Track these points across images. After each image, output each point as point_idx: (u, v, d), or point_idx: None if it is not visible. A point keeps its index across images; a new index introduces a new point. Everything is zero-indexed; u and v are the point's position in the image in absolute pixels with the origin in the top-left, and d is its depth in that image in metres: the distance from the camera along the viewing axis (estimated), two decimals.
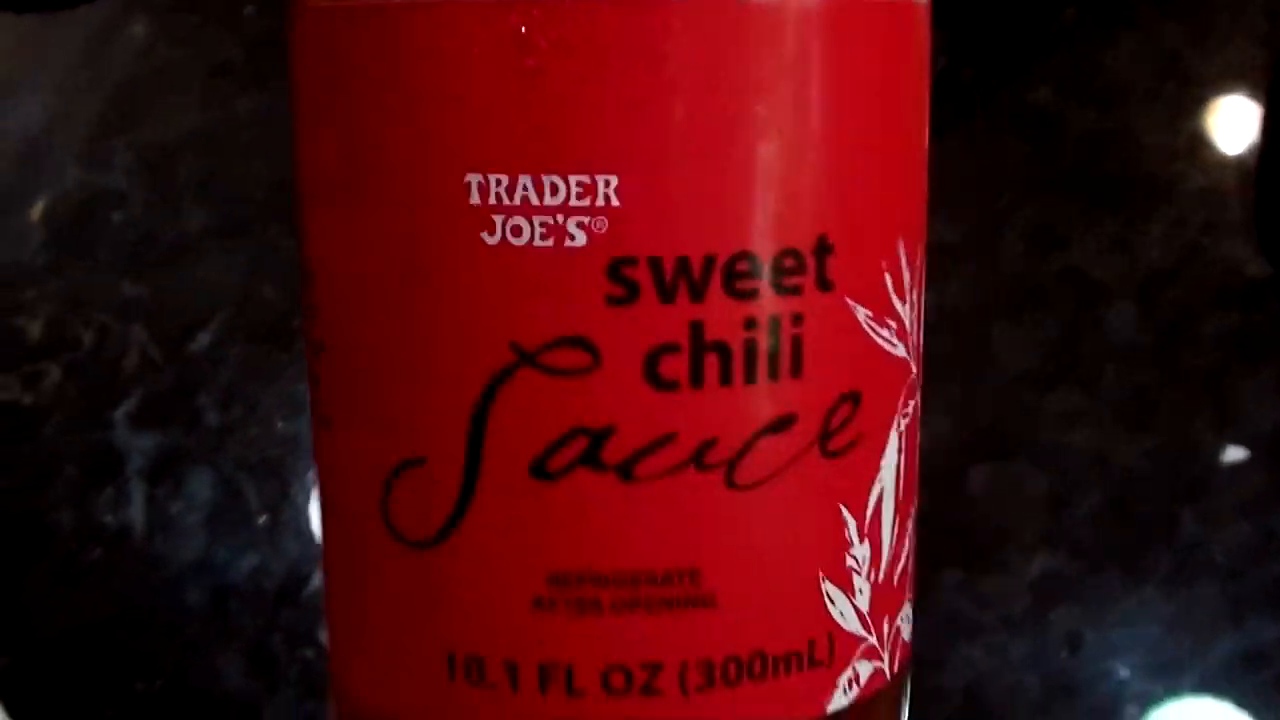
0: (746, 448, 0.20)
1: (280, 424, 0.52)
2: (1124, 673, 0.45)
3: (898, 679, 0.23)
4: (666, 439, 0.20)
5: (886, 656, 0.22)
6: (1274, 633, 0.46)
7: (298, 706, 0.47)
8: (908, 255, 0.22)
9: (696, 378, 0.19)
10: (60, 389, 0.54)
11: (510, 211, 0.19)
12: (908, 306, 0.22)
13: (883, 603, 0.22)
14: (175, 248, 0.56)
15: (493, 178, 0.19)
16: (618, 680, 0.20)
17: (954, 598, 0.47)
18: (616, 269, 0.19)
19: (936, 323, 0.52)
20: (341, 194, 0.21)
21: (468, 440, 0.20)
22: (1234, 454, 0.49)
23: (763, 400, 0.20)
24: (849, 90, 0.21)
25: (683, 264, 0.19)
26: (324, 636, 0.48)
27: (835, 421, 0.21)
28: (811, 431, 0.20)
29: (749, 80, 0.19)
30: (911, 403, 0.23)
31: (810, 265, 0.20)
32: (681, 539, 0.20)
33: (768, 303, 0.20)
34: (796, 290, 0.20)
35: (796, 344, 0.20)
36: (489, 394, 0.20)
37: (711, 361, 0.19)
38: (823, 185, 0.20)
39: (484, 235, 0.19)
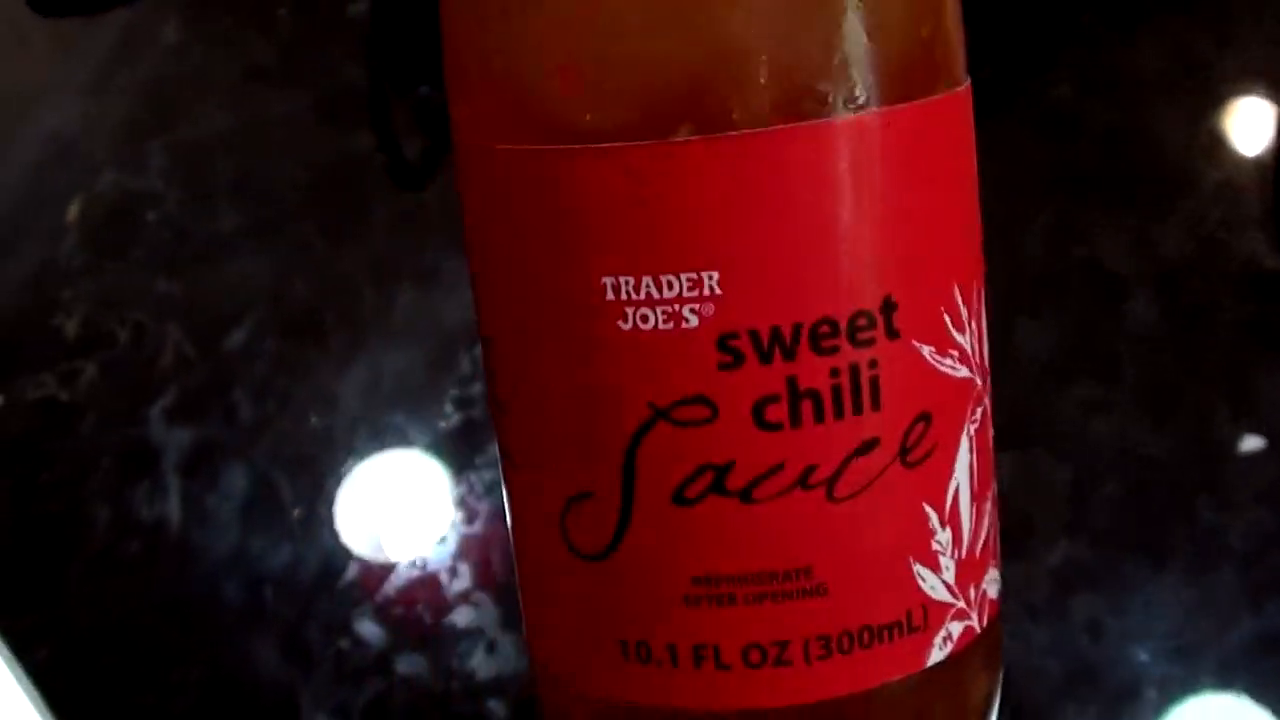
0: (841, 469, 0.25)
1: (313, 419, 0.53)
2: (1144, 657, 0.46)
3: (988, 631, 0.28)
4: (776, 468, 0.25)
5: (975, 614, 0.27)
6: None
7: (332, 694, 0.48)
8: (963, 295, 0.26)
9: (796, 419, 0.24)
10: (96, 386, 0.55)
11: (638, 304, 0.24)
12: (967, 335, 0.26)
13: (967, 573, 0.27)
14: (209, 246, 0.57)
15: (622, 279, 0.24)
16: (755, 656, 0.25)
17: None
18: (724, 341, 0.24)
19: None
20: (509, 289, 0.26)
21: (622, 478, 0.25)
22: (1251, 443, 0.49)
23: (850, 430, 0.25)
24: (902, 180, 0.25)
25: (775, 333, 0.24)
26: (357, 625, 0.49)
27: (912, 439, 0.25)
28: (892, 449, 0.25)
29: (816, 189, 0.24)
30: (979, 409, 0.27)
31: (880, 321, 0.25)
32: (794, 544, 0.25)
33: (847, 354, 0.24)
34: (870, 342, 0.25)
35: (874, 383, 0.25)
36: (635, 442, 0.25)
37: (806, 405, 0.24)
38: (885, 256, 0.25)
39: (619, 323, 0.24)
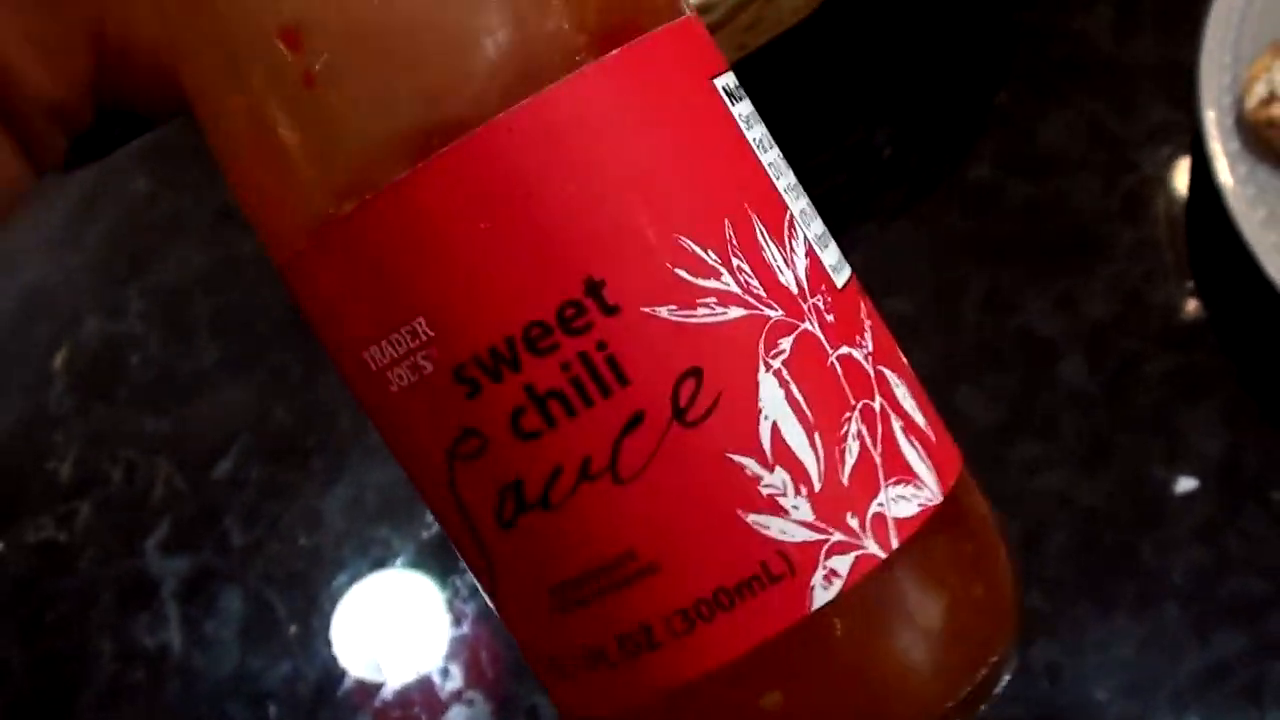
0: (615, 451, 0.24)
1: (302, 539, 0.55)
2: (1101, 696, 0.48)
3: (901, 553, 0.26)
4: (557, 471, 0.25)
5: (870, 540, 0.25)
6: (1236, 646, 0.49)
7: None
8: (705, 239, 0.25)
9: (549, 421, 0.24)
10: (93, 524, 0.58)
11: (391, 366, 0.25)
12: (733, 274, 0.25)
13: (835, 504, 0.25)
14: (192, 381, 0.60)
15: (372, 349, 0.25)
16: (629, 645, 0.25)
17: None
18: (458, 374, 0.25)
19: None
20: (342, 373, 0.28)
21: (461, 518, 0.26)
22: (1185, 484, 0.52)
23: (607, 413, 0.24)
24: (591, 157, 0.25)
25: (493, 352, 0.24)
26: None
27: (684, 399, 0.24)
28: (664, 416, 0.24)
29: (469, 217, 0.24)
30: (785, 340, 0.25)
31: (589, 304, 0.24)
32: (606, 535, 0.25)
33: (569, 346, 0.24)
34: (588, 327, 0.24)
35: (611, 362, 0.24)
36: (452, 485, 0.26)
37: (554, 405, 0.24)
38: (577, 240, 0.24)
39: (390, 388, 0.26)
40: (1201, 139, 0.55)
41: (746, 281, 0.25)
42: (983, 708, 0.27)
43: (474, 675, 0.51)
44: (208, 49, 0.27)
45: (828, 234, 0.28)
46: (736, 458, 0.25)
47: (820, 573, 0.25)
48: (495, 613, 0.27)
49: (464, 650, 0.52)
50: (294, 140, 0.25)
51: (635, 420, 0.24)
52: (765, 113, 0.29)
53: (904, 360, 0.28)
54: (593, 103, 0.25)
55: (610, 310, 0.24)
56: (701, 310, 0.25)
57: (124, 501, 0.58)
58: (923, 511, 0.26)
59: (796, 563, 0.25)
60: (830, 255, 0.27)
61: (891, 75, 0.61)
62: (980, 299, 0.56)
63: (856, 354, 0.26)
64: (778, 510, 0.25)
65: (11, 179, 0.31)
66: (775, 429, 0.25)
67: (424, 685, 0.52)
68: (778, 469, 0.25)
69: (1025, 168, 0.59)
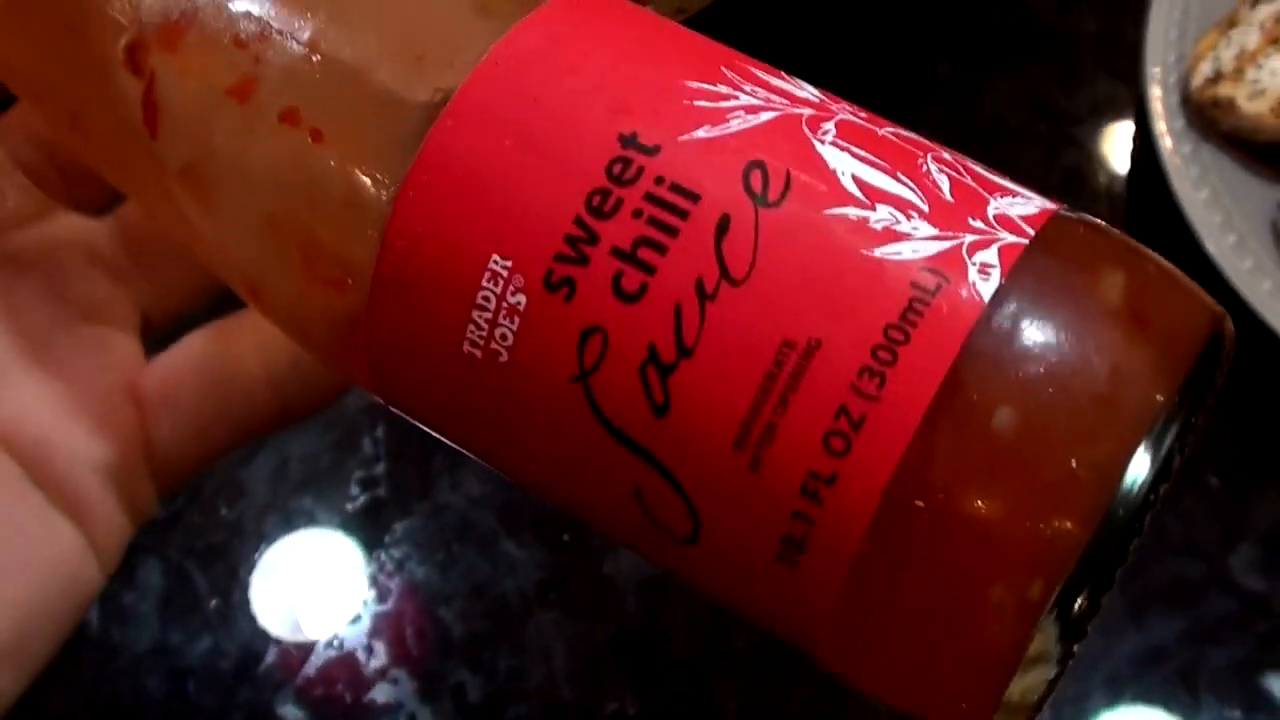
0: (720, 259, 0.24)
1: (223, 510, 0.54)
2: None
3: (1042, 240, 0.25)
4: (678, 311, 0.24)
5: (1005, 233, 0.25)
6: (1172, 630, 0.49)
7: None
8: (705, 79, 0.26)
9: (648, 269, 0.25)
10: None
11: (492, 333, 0.26)
12: (750, 94, 0.26)
13: (952, 214, 0.25)
14: None
15: (469, 335, 0.26)
16: (834, 443, 0.24)
17: None
18: (550, 282, 0.25)
19: None
20: None
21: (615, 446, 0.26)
22: None
23: (698, 229, 0.25)
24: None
25: (569, 239, 0.25)
26: (280, 710, 0.50)
27: (757, 187, 0.25)
28: (748, 207, 0.25)
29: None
30: (827, 123, 0.26)
31: (631, 155, 0.25)
32: (753, 342, 0.24)
33: (632, 194, 0.25)
34: (641, 171, 0.25)
35: (677, 188, 0.25)
36: (594, 408, 0.25)
37: (644, 252, 0.25)
38: (595, 113, 0.26)
39: (500, 359, 0.26)
40: (1145, 114, 0.54)
41: (766, 97, 0.26)
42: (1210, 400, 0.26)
43: (399, 652, 0.50)
44: None
45: None
46: (835, 210, 0.25)
47: (973, 269, 0.24)
48: (705, 556, 0.26)
49: (389, 626, 0.51)
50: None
51: (724, 224, 0.24)
52: None
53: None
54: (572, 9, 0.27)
55: (653, 150, 0.25)
56: (735, 122, 0.25)
57: None
58: (1044, 212, 0.26)
59: (945, 270, 0.24)
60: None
61: (832, 46, 0.60)
62: None
63: (906, 132, 0.27)
64: (899, 236, 0.24)
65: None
66: (857, 179, 0.25)
67: (347, 661, 0.51)
68: (879, 206, 0.25)
69: (967, 140, 0.58)
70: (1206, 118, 0.54)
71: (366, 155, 0.27)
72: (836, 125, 0.26)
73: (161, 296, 0.36)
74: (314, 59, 0.27)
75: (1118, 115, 0.58)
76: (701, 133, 0.25)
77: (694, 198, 0.25)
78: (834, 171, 0.25)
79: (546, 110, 0.25)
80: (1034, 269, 0.24)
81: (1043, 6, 0.60)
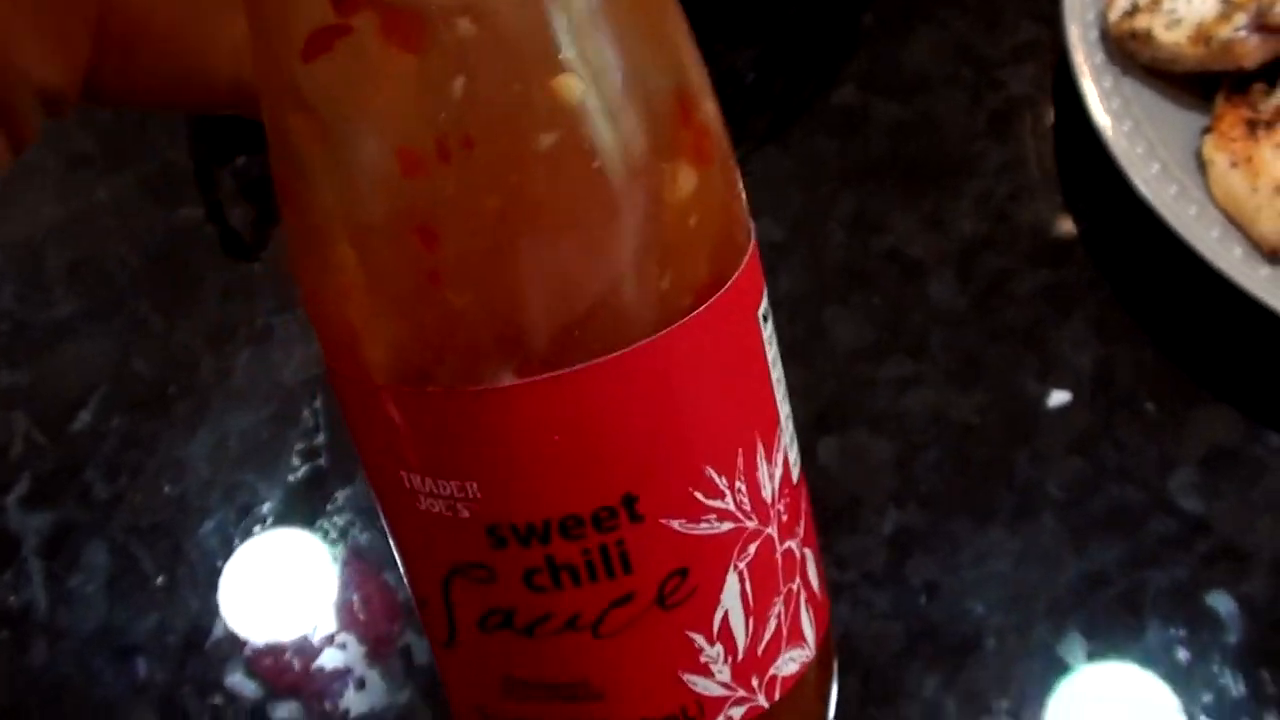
0: (603, 615, 0.29)
1: (166, 488, 0.54)
2: (980, 610, 0.48)
3: (782, 703, 0.32)
4: (547, 616, 0.29)
5: (761, 695, 0.31)
6: (1113, 555, 0.49)
7: None
8: (719, 469, 0.29)
9: (557, 583, 0.28)
10: None
11: (426, 495, 0.29)
12: (730, 496, 0.29)
13: (747, 669, 0.31)
14: (47, 334, 0.58)
15: (413, 475, 0.29)
16: None
17: None
18: (490, 530, 0.28)
19: (773, 312, 0.55)
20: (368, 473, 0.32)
21: (444, 603, 0.30)
22: (1058, 397, 0.52)
23: (607, 589, 0.29)
24: (646, 405, 0.28)
25: (529, 527, 0.28)
26: (230, 681, 0.50)
27: (669, 589, 0.29)
28: (648, 598, 0.29)
29: (558, 429, 0.28)
30: (754, 544, 0.30)
31: (621, 512, 0.28)
32: (572, 666, 0.29)
33: (594, 538, 0.28)
34: (615, 527, 0.28)
35: (623, 556, 0.28)
36: (446, 584, 0.30)
37: (564, 575, 0.28)
38: (624, 461, 0.28)
39: (417, 505, 0.29)
40: (1067, 55, 0.55)
41: (740, 500, 0.29)
42: None
43: (346, 618, 0.50)
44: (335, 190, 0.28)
45: (790, 421, 0.32)
46: (692, 634, 0.29)
47: (721, 717, 0.30)
48: (433, 646, 0.32)
49: (334, 593, 0.51)
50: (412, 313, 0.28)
51: (626, 598, 0.29)
52: None
53: (813, 527, 0.33)
54: (671, 354, 0.28)
55: (636, 519, 0.28)
56: (703, 524, 0.29)
57: None
58: (801, 669, 0.32)
59: (707, 709, 0.30)
60: (794, 452, 0.32)
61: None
62: (848, 221, 0.56)
63: (793, 545, 0.31)
64: (707, 673, 0.30)
65: None
66: (726, 615, 0.30)
67: (294, 630, 0.51)
68: (718, 644, 0.30)
69: (891, 89, 0.59)
70: (1126, 50, 0.54)
71: None
72: (758, 547, 0.30)
73: None
74: None
75: (1041, 57, 0.59)
76: (676, 524, 0.29)
77: (627, 570, 0.28)
78: (719, 602, 0.30)
79: (599, 439, 0.28)
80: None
81: None
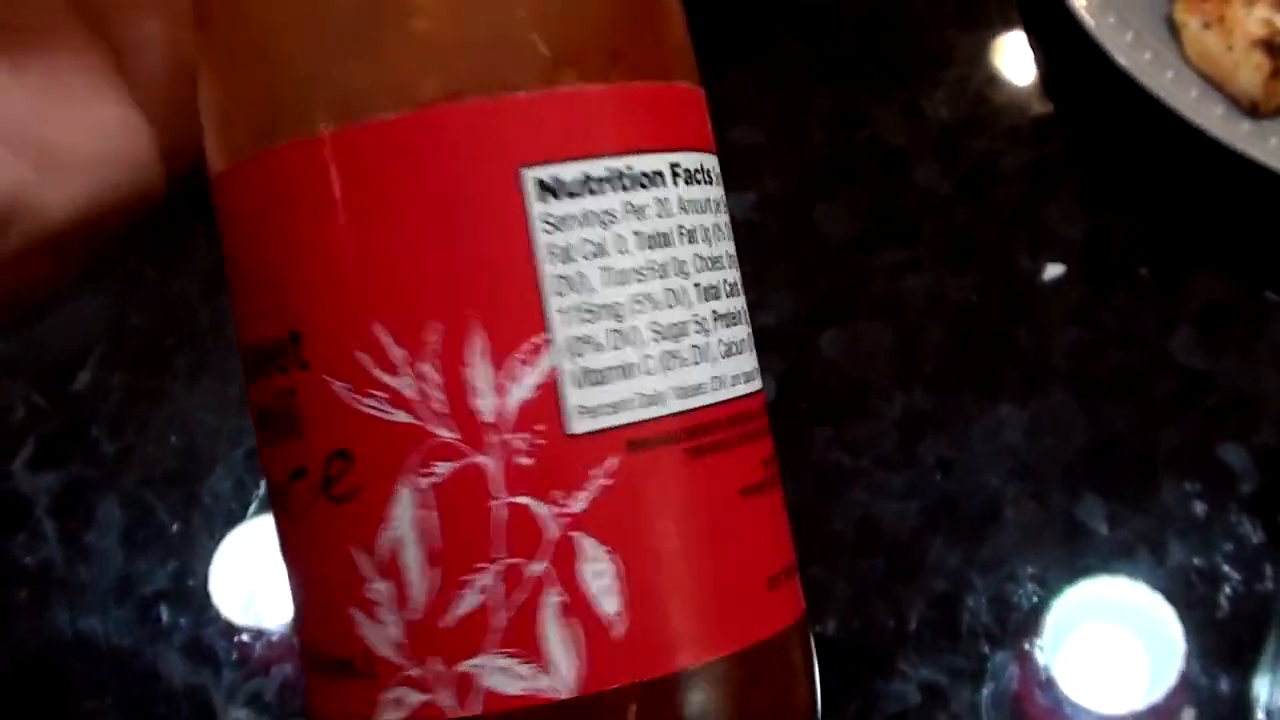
0: (287, 488, 0.26)
1: (174, 438, 0.54)
2: (995, 482, 0.49)
3: None
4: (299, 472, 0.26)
5: (445, 695, 0.24)
6: (1123, 418, 0.49)
7: (243, 688, 0.49)
8: (399, 337, 0.24)
9: (266, 433, 0.26)
10: None
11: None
12: (406, 379, 0.24)
13: (426, 642, 0.24)
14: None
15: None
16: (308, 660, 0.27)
17: (828, 450, 0.50)
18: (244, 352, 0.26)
19: (762, 215, 0.56)
20: None
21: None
22: (1053, 270, 0.52)
23: (288, 453, 0.25)
24: (315, 213, 0.25)
25: (245, 356, 0.26)
26: (252, 620, 0.50)
27: (333, 472, 0.25)
28: (316, 480, 0.25)
29: (242, 227, 0.26)
30: (444, 465, 0.24)
31: (290, 350, 0.25)
32: (284, 552, 0.26)
33: (276, 380, 0.25)
34: (286, 370, 0.25)
35: (295, 411, 0.25)
36: None
37: (265, 421, 0.26)
38: (290, 289, 0.25)
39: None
40: None
41: (426, 392, 0.24)
42: None
43: None
44: None
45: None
46: (354, 551, 0.25)
47: (392, 694, 0.25)
48: None
49: None
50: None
51: (299, 472, 0.25)
52: None
53: (654, 539, 0.25)
54: (356, 153, 0.24)
55: (303, 366, 0.25)
56: (369, 401, 0.24)
57: None
58: (526, 697, 0.24)
59: (377, 672, 0.25)
60: (591, 397, 0.24)
61: None
62: (827, 117, 0.56)
63: (543, 509, 0.24)
64: (373, 616, 0.25)
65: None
66: (397, 544, 0.24)
67: None
68: (387, 581, 0.25)
69: None
70: None
71: None
72: (453, 472, 0.24)
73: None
74: None
75: None
76: (338, 386, 0.24)
77: (298, 434, 0.25)
78: (386, 521, 0.24)
79: (262, 251, 0.25)
80: None
81: None
